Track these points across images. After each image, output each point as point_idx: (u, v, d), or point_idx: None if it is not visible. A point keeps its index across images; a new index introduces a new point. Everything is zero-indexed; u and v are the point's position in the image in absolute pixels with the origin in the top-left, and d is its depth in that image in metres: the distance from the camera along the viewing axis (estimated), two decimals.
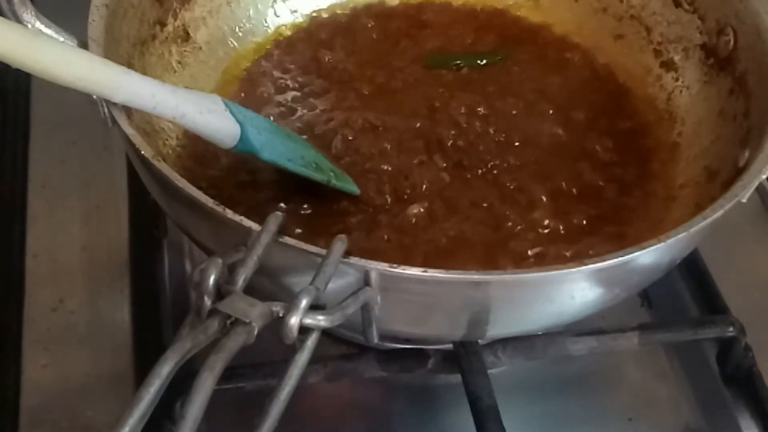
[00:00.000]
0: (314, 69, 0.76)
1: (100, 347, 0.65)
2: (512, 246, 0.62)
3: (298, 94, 0.74)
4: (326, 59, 0.76)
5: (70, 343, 0.65)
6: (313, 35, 0.78)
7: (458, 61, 0.77)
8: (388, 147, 0.68)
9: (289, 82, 0.74)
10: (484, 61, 0.77)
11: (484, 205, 0.65)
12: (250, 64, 0.75)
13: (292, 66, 0.76)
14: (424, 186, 0.66)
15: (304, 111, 0.72)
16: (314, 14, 0.80)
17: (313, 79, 0.75)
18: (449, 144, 0.69)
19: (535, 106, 0.73)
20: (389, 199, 0.65)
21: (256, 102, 0.72)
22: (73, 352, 0.64)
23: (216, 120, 0.56)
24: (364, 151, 0.67)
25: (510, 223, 0.64)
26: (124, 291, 0.68)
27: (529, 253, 0.62)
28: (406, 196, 0.65)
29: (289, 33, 0.79)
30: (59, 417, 0.61)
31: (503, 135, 0.70)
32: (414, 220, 0.63)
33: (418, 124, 0.70)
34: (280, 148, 0.61)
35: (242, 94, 0.73)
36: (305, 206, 0.64)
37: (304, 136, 0.68)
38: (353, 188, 0.64)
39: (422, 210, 0.64)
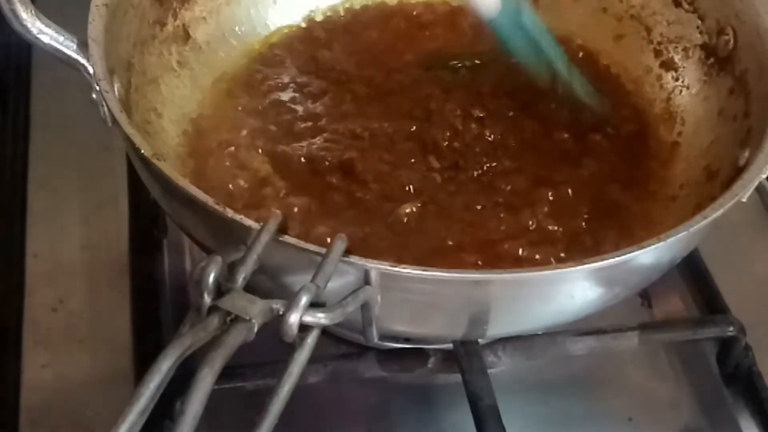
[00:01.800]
0: (313, 69, 0.76)
1: (100, 347, 0.65)
2: (507, 247, 0.62)
3: (297, 94, 0.73)
4: (325, 59, 0.76)
5: (70, 343, 0.65)
6: (312, 35, 0.78)
7: (456, 62, 0.77)
8: (382, 148, 0.68)
9: (287, 82, 0.74)
10: (483, 62, 0.77)
11: (478, 207, 0.65)
12: (250, 64, 0.75)
13: (292, 66, 0.76)
14: (417, 186, 0.66)
15: (303, 112, 0.72)
16: (314, 14, 0.80)
17: (311, 80, 0.75)
18: (444, 146, 0.69)
19: (532, 107, 0.73)
20: (381, 199, 0.65)
21: (255, 102, 0.72)
22: (73, 352, 0.64)
23: None
24: (357, 152, 0.67)
25: (505, 226, 0.64)
26: (124, 291, 0.67)
27: (525, 254, 0.62)
28: (398, 197, 0.65)
29: (288, 33, 0.79)
30: (59, 417, 0.61)
31: (499, 136, 0.70)
32: (406, 219, 0.63)
33: (413, 128, 0.70)
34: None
35: (242, 94, 0.73)
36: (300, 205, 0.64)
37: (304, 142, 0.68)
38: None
39: (414, 210, 0.64)
